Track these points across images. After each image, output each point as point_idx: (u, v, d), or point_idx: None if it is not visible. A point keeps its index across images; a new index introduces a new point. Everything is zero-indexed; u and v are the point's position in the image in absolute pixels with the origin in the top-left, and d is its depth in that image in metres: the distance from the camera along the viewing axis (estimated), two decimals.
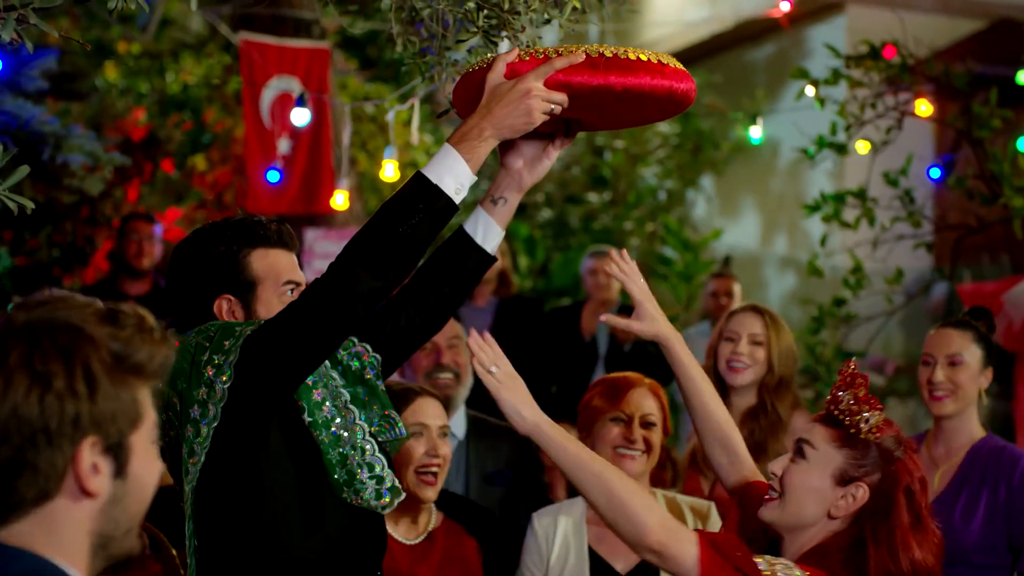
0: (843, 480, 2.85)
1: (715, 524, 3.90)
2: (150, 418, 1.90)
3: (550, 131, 3.06)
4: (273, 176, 7.77)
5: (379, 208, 2.77)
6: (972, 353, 4.18)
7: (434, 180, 2.75)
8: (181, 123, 9.75)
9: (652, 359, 7.58)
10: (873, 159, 7.16)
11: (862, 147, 7.22)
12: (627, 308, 8.19)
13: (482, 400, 5.35)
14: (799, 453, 2.91)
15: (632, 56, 2.84)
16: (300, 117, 6.88)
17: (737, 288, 8.01)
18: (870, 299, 7.46)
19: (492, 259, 3.10)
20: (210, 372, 2.77)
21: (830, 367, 7.43)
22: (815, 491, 2.86)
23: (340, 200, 7.05)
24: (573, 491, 4.10)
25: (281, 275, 2.98)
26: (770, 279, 11.18)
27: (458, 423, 4.71)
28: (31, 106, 5.97)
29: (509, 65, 2.85)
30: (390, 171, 6.28)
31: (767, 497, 2.94)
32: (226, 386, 2.75)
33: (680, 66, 2.93)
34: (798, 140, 7.65)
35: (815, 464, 2.87)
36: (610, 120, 3.23)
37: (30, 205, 2.99)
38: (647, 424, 3.93)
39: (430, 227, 2.75)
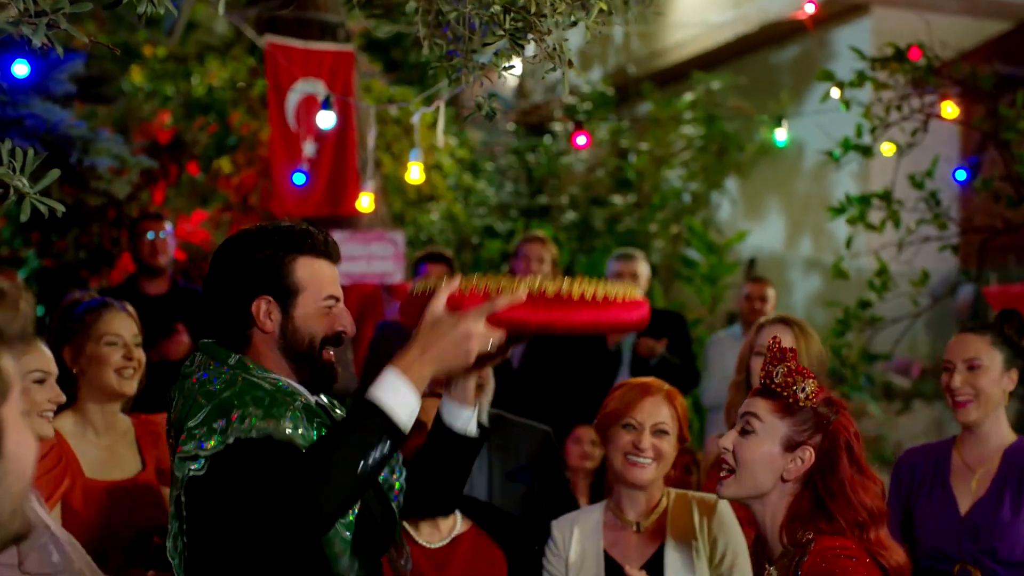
0: (790, 446, 3.10)
1: (722, 518, 3.95)
2: (16, 388, 1.75)
3: None
4: (299, 178, 7.80)
5: (330, 437, 2.75)
6: (991, 356, 4.14)
7: (387, 410, 2.75)
8: (206, 126, 9.80)
9: (676, 371, 7.58)
10: (898, 161, 7.14)
11: (887, 149, 7.20)
12: (651, 312, 8.21)
13: (503, 398, 5.36)
14: (747, 427, 3.14)
15: (576, 294, 2.81)
16: (326, 120, 6.91)
17: (771, 293, 7.99)
18: (896, 301, 7.43)
19: (478, 440, 3.12)
20: (188, 445, 2.80)
21: (856, 369, 7.41)
22: (766, 460, 3.11)
23: (366, 202, 7.08)
24: (595, 488, 4.14)
25: (324, 288, 2.98)
26: (795, 281, 11.15)
27: None
28: (59, 110, 6.02)
29: (451, 297, 2.85)
30: (415, 173, 6.31)
31: (722, 475, 3.19)
32: (197, 473, 2.79)
33: (633, 294, 2.89)
34: (823, 142, 7.63)
35: (763, 436, 3.11)
36: (559, 335, 3.24)
37: (61, 208, 3.01)
38: (658, 432, 3.93)
39: (388, 453, 2.75)
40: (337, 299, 3.00)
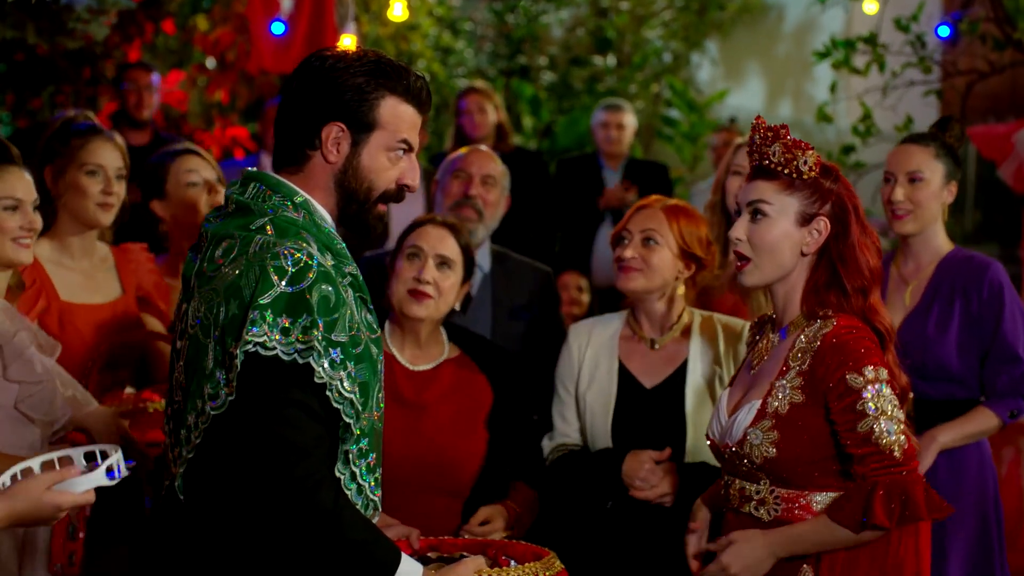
0: (804, 220, 3.11)
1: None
2: None
3: None
4: (277, 28, 7.66)
5: (367, 536, 2.72)
6: (933, 169, 4.11)
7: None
8: None
9: None
10: (884, 8, 7.09)
11: (870, 8, 7.17)
12: (635, 163, 8.23)
13: (506, 237, 5.36)
14: (757, 214, 3.14)
15: None
16: None
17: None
18: (879, 147, 7.41)
19: None
20: (258, 327, 2.67)
21: None
22: (785, 239, 3.12)
23: (348, 44, 6.99)
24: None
25: (401, 130, 2.86)
26: None
27: (483, 257, 4.69)
28: None
29: None
30: (398, 10, 6.22)
31: (739, 265, 3.18)
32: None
33: None
34: (803, 3, 7.57)
35: (777, 216, 3.12)
36: None
37: None
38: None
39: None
40: (411, 146, 2.90)
